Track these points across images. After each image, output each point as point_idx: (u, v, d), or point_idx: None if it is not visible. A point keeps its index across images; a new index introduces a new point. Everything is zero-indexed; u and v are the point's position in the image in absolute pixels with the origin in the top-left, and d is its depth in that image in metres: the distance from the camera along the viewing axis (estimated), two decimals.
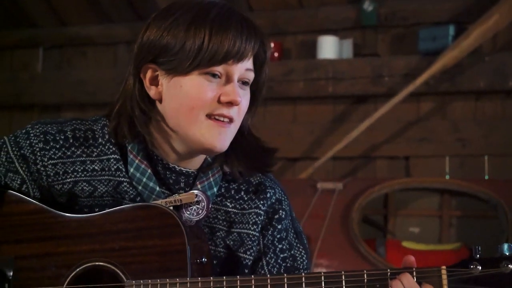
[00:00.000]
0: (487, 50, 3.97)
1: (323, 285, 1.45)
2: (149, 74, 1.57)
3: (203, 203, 1.57)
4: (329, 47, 4.19)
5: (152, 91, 1.58)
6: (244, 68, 1.55)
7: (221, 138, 1.54)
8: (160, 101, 1.57)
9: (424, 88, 3.93)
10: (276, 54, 4.30)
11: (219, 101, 1.53)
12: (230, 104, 1.53)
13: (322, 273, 1.45)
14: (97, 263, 1.54)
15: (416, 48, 4.02)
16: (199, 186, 1.61)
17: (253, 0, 4.39)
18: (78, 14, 4.73)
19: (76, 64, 4.82)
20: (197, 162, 1.64)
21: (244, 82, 1.57)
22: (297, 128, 4.30)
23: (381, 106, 3.92)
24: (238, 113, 1.56)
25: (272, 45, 4.29)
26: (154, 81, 1.57)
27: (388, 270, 1.44)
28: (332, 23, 4.27)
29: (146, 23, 1.59)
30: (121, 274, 1.53)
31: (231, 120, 1.54)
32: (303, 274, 1.48)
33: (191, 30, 1.51)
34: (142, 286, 1.51)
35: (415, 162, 4.10)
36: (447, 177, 3.97)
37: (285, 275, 1.48)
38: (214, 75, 1.53)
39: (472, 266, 1.42)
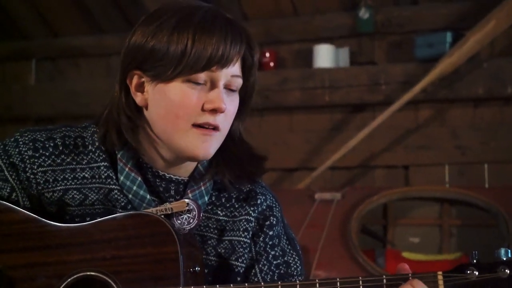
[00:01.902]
0: (484, 57, 3.94)
1: None
2: (135, 80, 1.54)
3: (194, 212, 1.54)
4: (325, 56, 4.16)
5: (138, 98, 1.54)
6: (230, 74, 1.51)
7: (205, 146, 1.51)
8: (146, 108, 1.54)
9: (422, 96, 3.91)
10: (271, 64, 4.27)
11: (203, 109, 1.49)
12: (215, 111, 1.49)
13: (317, 280, 1.43)
14: (88, 273, 1.51)
15: (413, 55, 3.99)
16: (190, 195, 1.58)
17: (247, 8, 4.36)
18: (71, 25, 4.72)
19: (69, 75, 4.80)
20: (186, 169, 1.60)
21: (231, 89, 1.53)
22: (294, 137, 4.26)
23: (379, 114, 3.89)
24: (225, 120, 1.52)
25: (268, 54, 4.27)
26: (140, 88, 1.54)
27: (384, 276, 1.42)
28: (328, 31, 4.24)
29: (133, 28, 1.56)
30: (113, 283, 1.49)
31: (216, 128, 1.51)
32: (297, 281, 1.46)
33: (174, 35, 1.47)
34: None
35: (414, 170, 4.06)
36: (447, 185, 3.93)
37: (279, 282, 1.46)
38: (197, 83, 1.49)
39: (469, 271, 1.40)
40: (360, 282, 1.41)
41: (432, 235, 3.88)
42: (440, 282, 1.39)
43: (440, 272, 1.40)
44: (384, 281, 1.41)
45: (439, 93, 3.94)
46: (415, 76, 3.91)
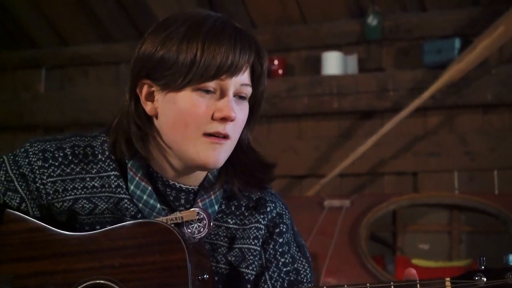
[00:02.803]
0: (493, 63, 3.93)
1: None
2: (145, 89, 1.54)
3: (205, 221, 1.55)
4: (333, 63, 4.16)
5: (148, 107, 1.55)
6: (239, 83, 1.51)
7: (215, 154, 1.51)
8: (156, 117, 1.55)
9: (430, 102, 3.89)
10: (280, 71, 4.27)
11: (213, 117, 1.49)
12: (225, 120, 1.50)
13: (325, 287, 1.42)
14: (97, 281, 1.52)
15: (422, 62, 3.98)
16: (200, 204, 1.59)
17: (255, 15, 4.37)
18: (80, 33, 4.73)
19: (78, 83, 4.81)
20: (196, 178, 1.61)
21: (240, 97, 1.53)
22: (302, 144, 4.26)
23: (388, 121, 3.88)
24: (234, 129, 1.53)
25: (276, 61, 4.27)
26: (150, 97, 1.54)
27: (392, 283, 1.42)
28: (336, 38, 4.24)
29: (143, 37, 1.56)
30: None
31: (226, 136, 1.51)
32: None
33: (184, 44, 1.48)
34: None
35: (423, 177, 4.05)
36: (456, 192, 3.92)
37: None
38: (207, 91, 1.49)
39: (477, 278, 1.39)
40: None
41: (441, 241, 3.86)
42: None
43: (448, 278, 1.40)
44: (392, 287, 1.41)
45: (447, 100, 3.93)
46: (423, 82, 3.90)
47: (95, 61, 4.75)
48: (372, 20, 4.09)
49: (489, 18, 3.79)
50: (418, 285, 1.41)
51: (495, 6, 3.86)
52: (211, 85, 1.49)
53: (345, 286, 1.43)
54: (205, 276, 1.52)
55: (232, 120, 1.50)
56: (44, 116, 4.71)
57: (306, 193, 4.04)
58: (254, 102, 1.58)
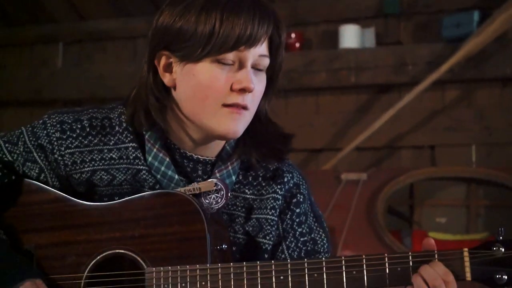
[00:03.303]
0: None
1: (343, 269, 1.44)
2: (163, 61, 1.55)
3: (222, 192, 1.56)
4: (351, 36, 4.14)
5: (166, 79, 1.56)
6: (257, 54, 1.52)
7: (235, 125, 1.52)
8: (175, 88, 1.56)
9: (448, 76, 3.87)
10: (297, 45, 4.26)
11: (232, 89, 1.50)
12: (243, 91, 1.51)
13: (343, 257, 1.44)
14: (117, 251, 1.54)
15: (440, 36, 3.95)
16: (217, 175, 1.60)
17: None
18: (97, 8, 4.73)
19: (95, 59, 4.82)
20: (214, 149, 1.62)
21: (258, 69, 1.54)
22: (320, 119, 4.25)
23: (405, 95, 3.87)
24: (253, 100, 1.54)
25: (293, 35, 4.26)
26: (168, 68, 1.55)
27: (410, 253, 1.43)
28: (354, 12, 4.22)
29: (160, 9, 1.56)
30: (141, 261, 1.52)
31: (245, 107, 1.52)
32: (323, 258, 1.47)
33: (202, 15, 1.48)
34: (162, 273, 1.50)
35: (441, 151, 4.04)
36: (474, 166, 3.90)
37: (305, 259, 1.47)
38: (226, 63, 1.50)
39: (495, 248, 1.39)
40: (386, 259, 1.42)
41: (459, 215, 3.86)
42: (466, 259, 1.40)
43: (466, 249, 1.40)
44: (410, 257, 1.41)
45: (466, 74, 3.91)
46: (441, 56, 3.88)
47: (112, 36, 4.76)
48: None
49: None
50: (436, 256, 1.41)
51: None
52: (230, 56, 1.49)
53: (363, 256, 1.43)
54: (223, 246, 1.54)
55: (250, 91, 1.51)
56: (62, 92, 4.73)
57: (323, 167, 4.04)
58: (272, 74, 1.58)
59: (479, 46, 3.73)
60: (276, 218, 1.62)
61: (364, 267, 1.43)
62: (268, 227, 1.62)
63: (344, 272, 1.43)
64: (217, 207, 1.56)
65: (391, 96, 4.13)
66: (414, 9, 4.11)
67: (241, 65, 1.51)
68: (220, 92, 1.50)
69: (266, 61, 1.55)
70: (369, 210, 3.67)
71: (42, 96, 4.75)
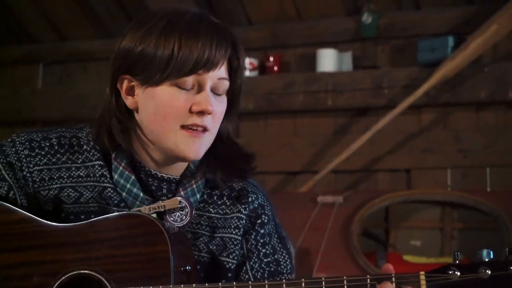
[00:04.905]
0: (487, 60, 3.95)
1: None
2: (125, 84, 1.57)
3: (187, 209, 1.58)
4: (328, 60, 4.18)
5: (128, 101, 1.58)
6: (216, 77, 1.54)
7: (195, 147, 1.54)
8: (137, 111, 1.58)
9: (424, 100, 3.92)
10: (275, 68, 4.30)
11: (191, 111, 1.52)
12: (202, 113, 1.53)
13: (303, 279, 1.45)
14: (82, 271, 1.54)
15: (416, 60, 4.01)
16: (182, 193, 1.61)
17: (252, 12, 4.40)
18: (78, 29, 4.75)
19: (77, 79, 4.83)
20: (178, 168, 1.64)
21: (217, 93, 1.56)
22: (298, 141, 4.29)
23: (382, 118, 3.91)
24: (213, 121, 1.56)
25: (272, 58, 4.30)
26: (131, 92, 1.57)
27: (368, 276, 1.44)
28: (332, 35, 4.26)
29: (123, 32, 1.59)
30: (106, 282, 1.52)
31: (205, 129, 1.54)
32: (283, 280, 1.49)
33: (162, 39, 1.50)
34: None
35: (417, 174, 4.07)
36: (449, 189, 3.94)
37: (266, 281, 1.48)
38: (184, 88, 1.52)
39: (450, 272, 1.41)
40: (345, 281, 1.43)
41: (433, 238, 3.89)
42: (423, 282, 1.41)
43: (422, 272, 1.42)
44: (368, 280, 1.43)
45: (441, 97, 3.96)
46: (418, 80, 3.93)
47: (93, 56, 4.77)
48: (367, 18, 4.11)
49: (482, 16, 3.81)
50: (393, 279, 1.43)
51: (488, 5, 3.88)
52: (189, 80, 1.52)
53: (323, 278, 1.44)
54: (187, 267, 1.55)
55: (209, 114, 1.53)
56: (43, 112, 4.74)
57: (300, 189, 4.06)
58: (232, 95, 1.61)
59: (454, 70, 3.78)
60: (240, 238, 1.64)
61: None
62: (232, 246, 1.63)
63: None
64: (181, 225, 1.58)
65: (368, 119, 4.17)
66: (391, 33, 4.16)
67: (200, 88, 1.53)
68: (179, 113, 1.52)
69: (225, 84, 1.57)
70: (345, 232, 3.69)
71: (22, 116, 4.77)
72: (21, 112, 4.78)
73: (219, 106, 1.56)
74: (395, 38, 4.18)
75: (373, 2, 4.13)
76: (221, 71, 1.55)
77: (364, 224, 3.83)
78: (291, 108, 4.27)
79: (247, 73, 4.18)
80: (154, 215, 1.57)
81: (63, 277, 1.54)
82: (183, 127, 1.53)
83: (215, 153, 1.62)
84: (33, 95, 4.80)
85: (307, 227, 3.72)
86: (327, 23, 4.28)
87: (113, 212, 1.59)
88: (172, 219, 1.57)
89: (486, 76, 3.88)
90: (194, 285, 1.50)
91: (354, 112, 4.23)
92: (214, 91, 1.56)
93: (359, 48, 4.25)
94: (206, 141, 1.56)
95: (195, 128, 1.53)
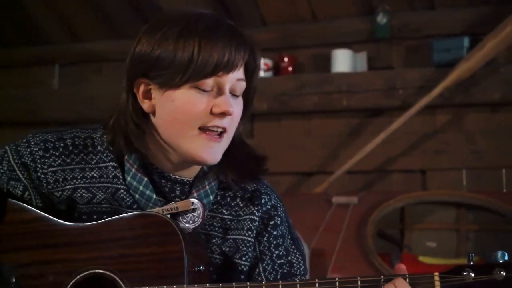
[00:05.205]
0: (502, 61, 3.93)
1: None
2: (142, 88, 1.57)
3: (199, 211, 1.58)
4: (343, 61, 4.17)
5: (145, 105, 1.58)
6: (235, 79, 1.55)
7: (213, 152, 1.55)
8: (154, 114, 1.58)
9: (439, 100, 3.90)
10: (289, 68, 4.29)
11: (211, 112, 1.53)
12: (223, 115, 1.53)
13: (317, 280, 1.45)
14: (96, 271, 1.55)
15: (430, 60, 3.99)
16: (195, 195, 1.62)
17: (266, 13, 4.39)
18: (93, 30, 4.77)
19: (91, 80, 4.84)
20: (193, 171, 1.64)
21: (235, 94, 1.57)
22: (311, 142, 4.28)
23: (396, 119, 3.89)
24: (231, 123, 1.57)
25: (286, 59, 4.30)
26: (147, 95, 1.58)
27: (382, 276, 1.44)
28: (345, 36, 4.25)
29: (137, 36, 1.59)
30: (120, 281, 1.53)
31: (224, 130, 1.55)
32: (297, 280, 1.49)
33: (180, 43, 1.51)
34: None
35: (432, 175, 4.06)
36: (464, 190, 3.92)
37: (280, 282, 1.48)
38: (204, 90, 1.53)
39: (465, 273, 1.42)
40: (359, 282, 1.44)
41: (449, 239, 3.86)
42: (437, 283, 1.41)
43: (436, 273, 1.42)
44: (382, 281, 1.43)
45: (456, 98, 3.94)
46: (432, 81, 3.91)
47: (107, 58, 4.78)
48: (381, 19, 4.10)
49: (498, 17, 3.78)
50: (407, 280, 1.43)
51: (504, 5, 3.86)
52: (209, 82, 1.52)
53: (337, 279, 1.45)
54: (201, 267, 1.56)
55: (230, 115, 1.54)
56: (57, 113, 4.75)
57: (314, 190, 4.06)
58: (247, 97, 1.62)
59: (469, 71, 3.76)
60: (252, 240, 1.64)
61: None
62: (245, 248, 1.63)
63: None
64: (194, 226, 1.58)
65: (382, 120, 4.16)
66: (404, 33, 4.15)
67: (220, 90, 1.54)
68: (199, 115, 1.53)
69: (243, 85, 1.58)
70: (359, 233, 3.68)
71: (36, 117, 4.77)
72: (35, 113, 4.79)
73: (237, 107, 1.58)
74: (409, 38, 4.16)
75: (387, 3, 4.12)
76: (239, 73, 1.56)
77: (379, 225, 3.82)
78: (305, 109, 4.26)
79: (261, 73, 4.18)
80: (168, 216, 1.57)
81: (78, 276, 1.55)
82: (203, 129, 1.54)
83: (227, 155, 1.62)
84: (47, 96, 4.82)
85: (322, 228, 3.71)
86: (341, 24, 4.27)
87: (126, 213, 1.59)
88: (185, 220, 1.58)
89: (501, 78, 3.86)
90: (208, 285, 1.50)
91: (368, 113, 4.21)
92: (232, 92, 1.57)
93: (372, 48, 4.24)
94: (224, 144, 1.58)
95: (215, 129, 1.54)
